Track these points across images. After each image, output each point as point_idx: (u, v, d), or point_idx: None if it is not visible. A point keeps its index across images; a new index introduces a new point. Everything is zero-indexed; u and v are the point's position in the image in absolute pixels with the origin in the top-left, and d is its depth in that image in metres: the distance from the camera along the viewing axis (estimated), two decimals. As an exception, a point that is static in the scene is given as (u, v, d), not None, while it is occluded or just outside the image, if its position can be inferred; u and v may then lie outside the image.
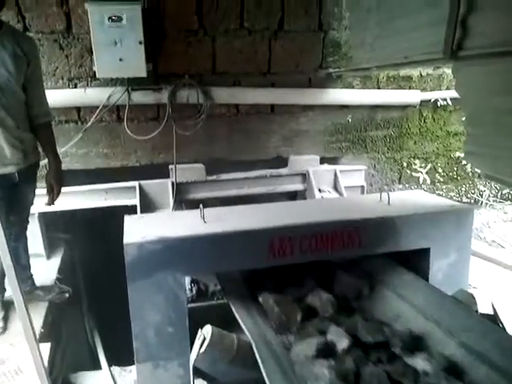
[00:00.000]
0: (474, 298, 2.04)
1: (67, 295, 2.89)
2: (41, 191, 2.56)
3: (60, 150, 2.61)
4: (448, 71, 3.94)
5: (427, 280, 2.23)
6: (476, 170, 3.93)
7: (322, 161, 3.85)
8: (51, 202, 2.48)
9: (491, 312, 2.24)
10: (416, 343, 1.76)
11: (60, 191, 2.49)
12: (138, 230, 1.99)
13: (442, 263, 2.30)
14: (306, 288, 2.18)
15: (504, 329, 1.95)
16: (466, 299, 1.98)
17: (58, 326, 3.10)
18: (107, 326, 3.47)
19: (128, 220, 2.20)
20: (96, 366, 3.05)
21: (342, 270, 2.26)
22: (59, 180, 2.48)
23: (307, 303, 2.07)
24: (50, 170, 2.46)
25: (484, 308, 2.24)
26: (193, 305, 2.57)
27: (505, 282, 3.75)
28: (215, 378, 1.83)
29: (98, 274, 3.51)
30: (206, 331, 1.72)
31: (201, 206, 2.14)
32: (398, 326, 1.89)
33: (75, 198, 3.27)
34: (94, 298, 3.62)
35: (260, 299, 2.05)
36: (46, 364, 1.99)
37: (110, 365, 2.94)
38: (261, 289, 2.20)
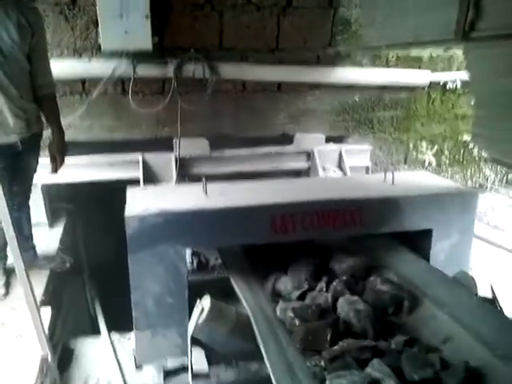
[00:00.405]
0: (474, 281, 2.04)
1: (68, 264, 2.92)
2: (44, 161, 2.56)
3: (64, 122, 2.59)
4: (459, 53, 3.86)
5: (428, 260, 2.23)
6: (483, 153, 3.89)
7: (328, 140, 3.82)
8: (54, 170, 2.48)
9: (490, 295, 2.24)
10: (472, 378, 1.46)
11: (63, 161, 2.49)
12: (139, 203, 2.00)
13: (444, 244, 2.30)
14: (331, 291, 1.92)
15: (502, 312, 1.96)
16: (466, 281, 1.98)
17: (59, 294, 3.13)
18: (108, 295, 3.50)
19: (130, 192, 2.20)
20: (96, 333, 3.08)
21: (375, 275, 2.03)
22: (62, 151, 2.47)
23: (338, 316, 1.78)
24: (53, 141, 2.45)
25: (483, 291, 2.24)
26: (193, 277, 2.58)
27: (506, 265, 3.75)
28: (213, 348, 1.84)
29: (100, 244, 3.53)
30: (205, 302, 1.73)
31: (203, 179, 2.14)
32: (448, 352, 1.59)
33: (78, 170, 3.27)
34: (96, 267, 3.64)
35: (277, 310, 1.83)
36: (46, 330, 2.01)
37: (109, 332, 2.98)
38: (264, 266, 2.21)
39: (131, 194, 2.17)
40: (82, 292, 3.76)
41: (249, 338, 1.73)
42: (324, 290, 1.94)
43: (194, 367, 1.95)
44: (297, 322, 1.68)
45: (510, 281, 3.46)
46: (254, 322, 1.71)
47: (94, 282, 3.81)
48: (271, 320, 1.77)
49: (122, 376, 2.44)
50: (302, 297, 1.92)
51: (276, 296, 2.00)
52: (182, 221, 1.92)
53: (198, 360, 2.06)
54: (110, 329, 3.01)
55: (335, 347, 1.59)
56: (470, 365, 1.47)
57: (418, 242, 2.30)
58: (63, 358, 2.70)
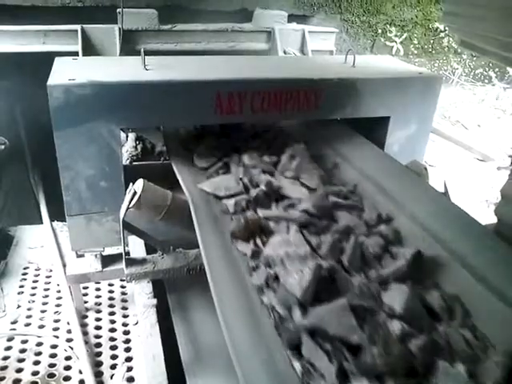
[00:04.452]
0: (426, 170, 1.97)
1: (3, 147, 2.69)
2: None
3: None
4: None
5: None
6: (452, 33, 3.67)
7: (291, 19, 3.50)
8: None
9: (443, 191, 2.21)
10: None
11: None
12: (67, 72, 1.75)
13: (400, 134, 2.19)
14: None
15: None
16: (418, 170, 1.91)
17: (-6, 179, 2.95)
18: (53, 181, 3.34)
19: (59, 62, 1.94)
20: (41, 220, 2.97)
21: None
22: None
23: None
24: None
25: (437, 187, 2.21)
26: (136, 163, 2.42)
27: (462, 162, 3.76)
28: (148, 234, 1.74)
29: (42, 126, 3.27)
30: (138, 186, 1.59)
31: (142, 50, 1.89)
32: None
33: (9, 39, 2.89)
34: (39, 151, 3.42)
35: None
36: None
37: (52, 220, 2.87)
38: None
39: (59, 63, 1.91)
40: (26, 177, 3.58)
41: (186, 225, 1.63)
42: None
43: (130, 254, 1.86)
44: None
45: (462, 178, 3.47)
46: (192, 207, 1.59)
47: (37, 168, 3.62)
48: (211, 206, 1.66)
49: (63, 264, 2.37)
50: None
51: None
52: (114, 95, 1.69)
53: (136, 247, 1.98)
54: (55, 216, 2.89)
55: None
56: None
57: (374, 131, 2.17)
58: (2, 245, 2.61)
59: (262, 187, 1.61)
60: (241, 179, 1.71)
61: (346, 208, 1.61)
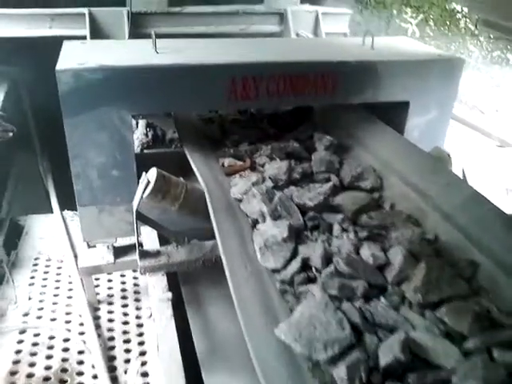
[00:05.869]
0: (449, 157, 1.89)
1: (11, 134, 2.63)
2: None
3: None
4: None
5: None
6: (473, 13, 3.53)
7: (304, 0, 3.38)
8: None
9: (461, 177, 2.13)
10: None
11: None
12: (76, 57, 1.68)
13: (420, 120, 2.10)
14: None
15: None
16: (442, 157, 1.83)
17: (4, 168, 2.90)
18: (63, 169, 3.28)
19: (67, 45, 1.86)
20: (51, 209, 2.93)
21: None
22: None
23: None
24: None
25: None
26: (147, 151, 2.35)
27: (480, 148, 3.66)
28: (162, 225, 1.68)
29: (51, 112, 3.21)
30: (151, 175, 1.52)
31: (152, 33, 1.81)
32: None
33: (15, 24, 2.82)
34: (48, 138, 3.36)
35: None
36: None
37: (62, 209, 2.82)
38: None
39: (68, 47, 1.84)
40: (35, 165, 3.53)
41: (200, 214, 1.57)
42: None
43: (144, 246, 1.80)
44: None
45: (481, 165, 3.38)
46: (207, 196, 1.53)
47: (46, 155, 3.57)
48: (227, 194, 1.60)
49: (74, 254, 2.33)
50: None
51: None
52: (124, 79, 1.62)
53: (149, 239, 1.92)
54: (65, 205, 2.84)
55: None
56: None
57: (393, 117, 2.08)
58: (12, 235, 2.57)
59: (399, 354, 0.96)
60: (343, 312, 1.07)
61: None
